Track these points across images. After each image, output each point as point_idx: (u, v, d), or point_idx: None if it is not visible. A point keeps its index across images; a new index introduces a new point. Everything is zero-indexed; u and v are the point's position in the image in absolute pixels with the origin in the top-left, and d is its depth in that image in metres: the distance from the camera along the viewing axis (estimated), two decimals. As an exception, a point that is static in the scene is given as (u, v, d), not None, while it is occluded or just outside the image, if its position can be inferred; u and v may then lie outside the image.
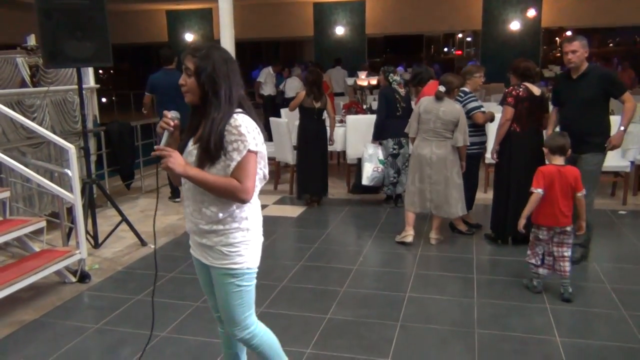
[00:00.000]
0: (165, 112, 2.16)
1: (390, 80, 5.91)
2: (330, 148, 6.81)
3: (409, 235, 4.89)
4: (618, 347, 3.11)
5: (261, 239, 2.31)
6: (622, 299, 3.71)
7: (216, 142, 2.06)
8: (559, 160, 3.74)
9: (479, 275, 4.20)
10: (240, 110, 2.14)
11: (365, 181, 5.96)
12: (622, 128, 4.20)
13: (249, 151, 2.08)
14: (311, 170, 6.22)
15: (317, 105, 6.08)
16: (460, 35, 22.42)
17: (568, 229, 3.70)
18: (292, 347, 3.14)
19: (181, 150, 2.18)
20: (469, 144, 4.78)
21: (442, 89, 4.69)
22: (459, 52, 23.06)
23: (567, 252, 3.72)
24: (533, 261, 3.84)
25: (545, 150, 3.86)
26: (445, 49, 24.12)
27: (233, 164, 2.08)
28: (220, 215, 2.15)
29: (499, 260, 4.56)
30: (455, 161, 4.77)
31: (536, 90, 4.60)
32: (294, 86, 10.54)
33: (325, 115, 6.31)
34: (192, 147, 2.18)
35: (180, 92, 2.16)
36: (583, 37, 4.25)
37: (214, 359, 3.03)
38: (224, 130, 2.07)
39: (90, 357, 3.15)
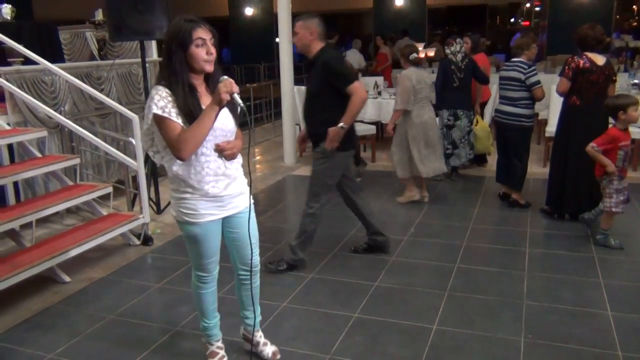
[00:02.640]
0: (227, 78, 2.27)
1: (447, 51, 5.84)
2: (385, 120, 6.87)
3: (426, 196, 5.42)
4: (673, 323, 3.04)
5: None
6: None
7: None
8: None
9: (532, 248, 4.16)
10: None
11: None
12: (341, 124, 3.51)
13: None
14: None
15: None
16: (528, 5, 21.47)
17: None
18: (339, 311, 3.27)
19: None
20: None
21: (413, 56, 5.13)
22: (527, 23, 22.09)
23: None
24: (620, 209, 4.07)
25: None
26: (512, 20, 23.17)
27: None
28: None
29: (553, 234, 4.48)
30: None
31: (599, 59, 4.42)
32: (355, 58, 10.53)
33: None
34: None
35: None
36: (310, 16, 3.67)
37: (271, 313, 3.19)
38: None
39: (153, 312, 3.38)
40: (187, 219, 2.41)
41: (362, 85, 3.65)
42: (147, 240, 4.43)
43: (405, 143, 5.19)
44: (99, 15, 6.04)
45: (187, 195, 2.38)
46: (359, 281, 3.68)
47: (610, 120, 4.24)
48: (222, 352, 2.72)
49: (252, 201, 2.57)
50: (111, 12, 4.55)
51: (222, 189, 2.41)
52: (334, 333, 3.02)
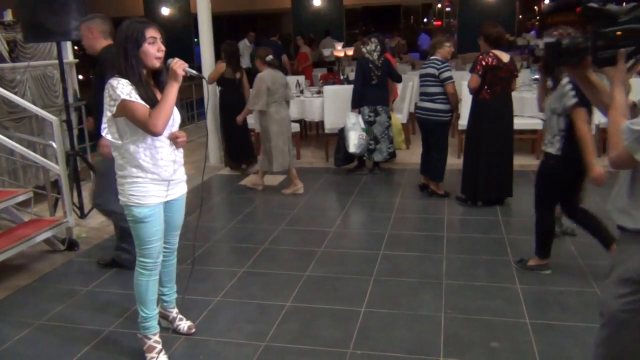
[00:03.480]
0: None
1: (364, 50, 6.08)
2: (308, 118, 7.04)
3: (300, 187, 5.75)
4: (577, 292, 3.40)
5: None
6: (580, 251, 3.99)
7: None
8: None
9: (449, 233, 4.46)
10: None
11: (352, 149, 6.05)
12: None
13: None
14: (238, 138, 6.61)
15: (237, 75, 6.40)
16: (439, 5, 22.40)
17: None
18: (273, 302, 3.39)
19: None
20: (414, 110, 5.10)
21: (270, 58, 5.59)
22: (439, 23, 23.01)
23: None
24: None
25: None
26: (425, 20, 24.09)
27: None
28: None
29: (468, 219, 4.83)
30: None
31: (505, 57, 4.80)
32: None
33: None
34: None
35: None
36: (92, 17, 3.72)
37: (201, 312, 3.25)
38: None
39: (84, 315, 3.34)
40: (137, 201, 2.59)
41: None
42: (72, 245, 4.34)
43: (270, 138, 5.59)
44: (9, 16, 5.80)
45: (139, 180, 2.58)
46: (290, 272, 3.82)
47: None
48: (159, 346, 2.78)
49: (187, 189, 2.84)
50: (25, 12, 4.41)
51: (171, 173, 2.67)
52: (268, 322, 3.14)
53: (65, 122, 5.07)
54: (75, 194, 4.94)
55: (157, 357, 2.74)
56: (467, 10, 14.68)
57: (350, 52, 7.60)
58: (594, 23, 1.66)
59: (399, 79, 6.53)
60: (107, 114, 2.50)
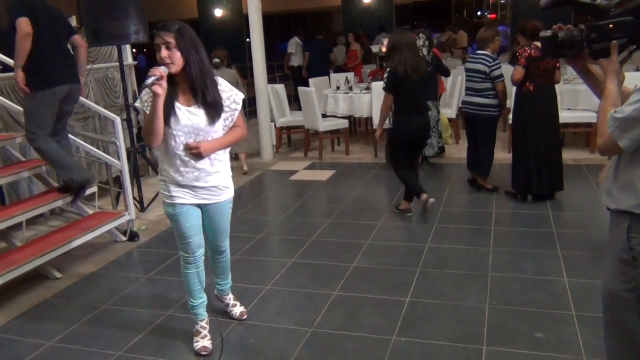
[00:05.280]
0: (156, 67, 2.47)
1: None
2: (357, 114, 7.18)
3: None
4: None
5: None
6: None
7: (219, 101, 2.60)
8: None
9: (497, 227, 4.46)
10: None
11: None
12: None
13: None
14: None
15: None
16: (493, -2, 21.93)
17: None
18: (320, 291, 3.51)
19: (170, 110, 2.54)
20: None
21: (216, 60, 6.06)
22: (493, 16, 22.58)
23: None
24: None
25: None
26: (479, 13, 23.63)
27: (236, 114, 2.68)
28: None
29: (517, 214, 4.80)
30: None
31: (547, 48, 4.74)
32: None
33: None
34: (191, 109, 2.58)
35: None
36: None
37: (253, 298, 3.41)
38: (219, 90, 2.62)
39: (144, 300, 3.57)
40: (164, 199, 2.76)
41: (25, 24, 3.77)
42: (133, 237, 4.61)
43: None
44: (73, 22, 6.16)
45: (165, 179, 2.71)
46: (337, 263, 3.93)
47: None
48: (205, 332, 2.94)
49: (231, 196, 2.85)
50: (88, 19, 4.71)
51: (192, 180, 2.66)
52: (315, 310, 3.27)
53: (125, 121, 5.36)
54: (135, 188, 5.22)
55: (201, 341, 2.91)
56: (522, 3, 14.35)
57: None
58: (585, 17, 1.72)
59: (447, 74, 6.53)
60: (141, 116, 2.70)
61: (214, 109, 2.58)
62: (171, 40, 2.46)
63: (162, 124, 2.50)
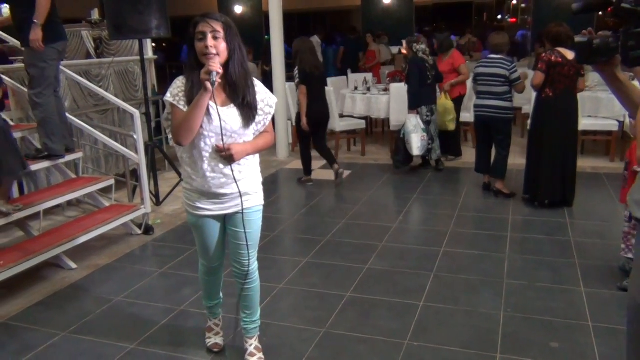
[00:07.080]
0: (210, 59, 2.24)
1: (414, 49, 6.06)
2: (374, 115, 7.15)
3: None
4: None
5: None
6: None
7: (255, 103, 2.41)
8: None
9: (513, 233, 4.42)
10: None
11: (416, 152, 6.02)
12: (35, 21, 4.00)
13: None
14: None
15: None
16: (514, 2, 21.74)
17: None
18: (333, 291, 3.50)
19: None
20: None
21: None
22: (514, 20, 22.38)
23: None
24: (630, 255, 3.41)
25: None
26: (499, 16, 23.44)
27: (269, 118, 2.50)
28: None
29: (534, 220, 4.74)
30: None
31: (569, 54, 4.68)
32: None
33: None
34: (225, 109, 2.36)
35: None
36: None
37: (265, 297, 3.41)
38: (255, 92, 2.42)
39: (158, 294, 3.59)
40: (187, 207, 2.57)
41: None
42: (148, 230, 4.63)
43: None
44: (95, 15, 6.22)
45: (188, 186, 2.50)
46: (350, 264, 3.91)
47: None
48: (217, 329, 2.93)
49: (262, 203, 2.64)
50: (111, 12, 4.74)
51: (217, 186, 2.42)
52: (328, 310, 3.26)
53: (144, 115, 5.39)
54: (152, 182, 5.25)
55: (213, 338, 2.90)
56: (543, 7, 14.20)
57: (404, 50, 7.49)
58: (626, 23, 1.67)
59: (441, 79, 6.42)
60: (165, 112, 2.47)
61: (249, 111, 2.38)
62: (219, 29, 2.25)
63: (200, 121, 2.29)
